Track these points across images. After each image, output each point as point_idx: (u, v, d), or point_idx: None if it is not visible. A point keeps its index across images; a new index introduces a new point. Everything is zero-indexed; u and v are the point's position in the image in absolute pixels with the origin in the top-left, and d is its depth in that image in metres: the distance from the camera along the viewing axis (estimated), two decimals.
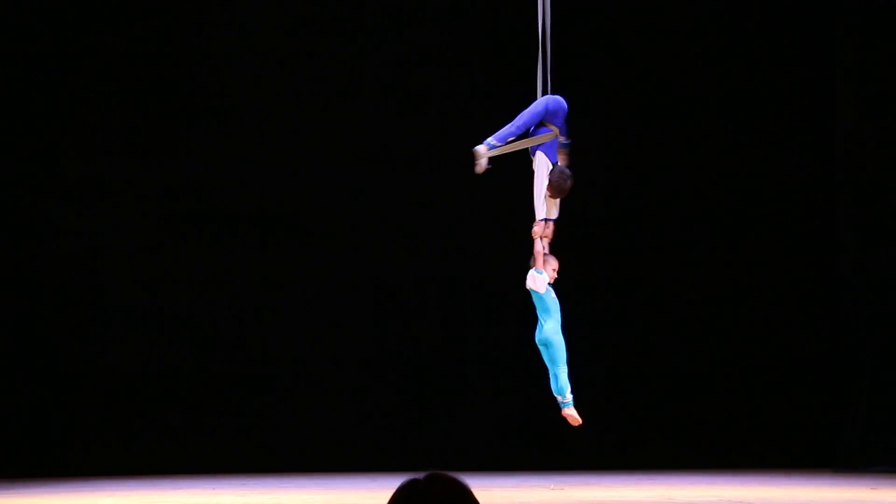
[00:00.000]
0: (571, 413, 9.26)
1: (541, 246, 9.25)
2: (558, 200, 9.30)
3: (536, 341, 9.29)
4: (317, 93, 14.32)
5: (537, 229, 9.23)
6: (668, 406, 14.36)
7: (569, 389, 9.19)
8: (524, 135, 9.28)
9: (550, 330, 9.17)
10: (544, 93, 9.36)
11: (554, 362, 9.20)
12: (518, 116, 9.27)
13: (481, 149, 9.24)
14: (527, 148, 9.31)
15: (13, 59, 13.99)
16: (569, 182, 9.17)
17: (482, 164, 9.24)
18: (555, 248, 9.43)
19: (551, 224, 9.31)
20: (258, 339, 14.29)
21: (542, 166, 9.22)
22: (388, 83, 14.40)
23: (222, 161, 14.22)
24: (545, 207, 9.22)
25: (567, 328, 9.38)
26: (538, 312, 9.28)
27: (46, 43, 14.00)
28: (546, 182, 9.14)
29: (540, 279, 9.21)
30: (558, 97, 9.35)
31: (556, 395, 9.25)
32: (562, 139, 9.32)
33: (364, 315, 14.36)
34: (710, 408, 14.36)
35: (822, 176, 14.35)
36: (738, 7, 14.53)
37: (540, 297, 9.21)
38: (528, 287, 9.29)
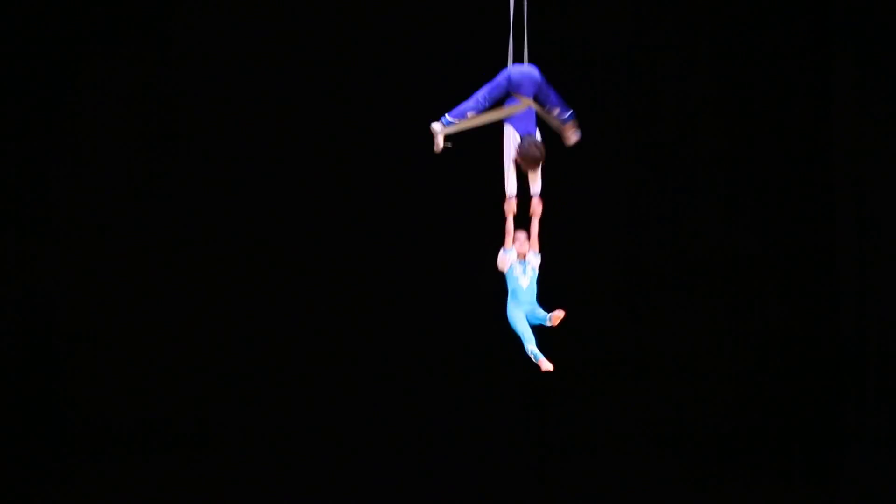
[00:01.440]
0: (544, 363, 8.93)
1: (511, 224, 8.90)
2: (538, 173, 8.84)
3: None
4: (308, 128, 14.24)
5: (507, 206, 8.83)
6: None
7: (537, 354, 8.92)
8: (493, 108, 8.84)
9: (508, 310, 9.01)
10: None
11: (520, 337, 9.04)
12: (478, 90, 8.86)
13: (436, 126, 8.85)
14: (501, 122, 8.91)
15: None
16: (539, 151, 8.72)
17: (439, 142, 8.84)
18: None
19: (536, 198, 8.93)
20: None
21: (509, 139, 8.80)
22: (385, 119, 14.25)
23: (214, 195, 14.15)
24: (514, 182, 8.82)
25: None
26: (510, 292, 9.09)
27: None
28: (513, 155, 8.75)
29: (505, 257, 8.98)
30: (525, 66, 8.87)
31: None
32: (555, 112, 8.93)
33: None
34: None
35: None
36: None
37: (504, 275, 9.03)
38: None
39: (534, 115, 8.90)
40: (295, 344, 14.18)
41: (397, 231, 14.25)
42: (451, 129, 8.81)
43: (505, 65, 8.92)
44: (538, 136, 8.88)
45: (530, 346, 8.90)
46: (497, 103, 8.87)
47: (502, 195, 8.90)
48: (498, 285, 9.15)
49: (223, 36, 14.15)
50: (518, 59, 8.94)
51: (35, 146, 13.97)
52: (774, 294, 14.53)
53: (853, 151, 13.96)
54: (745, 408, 14.40)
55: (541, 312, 8.99)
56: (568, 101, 9.03)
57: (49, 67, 13.95)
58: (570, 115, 8.98)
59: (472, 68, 13.32)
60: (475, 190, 12.86)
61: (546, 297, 9.11)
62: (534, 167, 8.79)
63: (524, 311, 8.99)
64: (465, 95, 8.64)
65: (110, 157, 14.10)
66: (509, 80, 8.79)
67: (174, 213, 14.11)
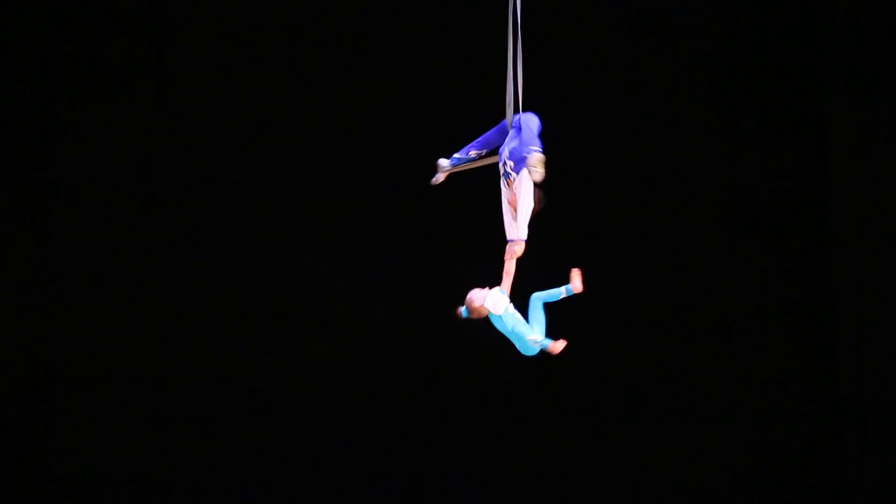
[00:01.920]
0: (553, 346, 8.70)
1: (513, 267, 8.69)
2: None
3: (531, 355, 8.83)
4: (313, 180, 14.26)
5: (518, 249, 8.66)
6: None
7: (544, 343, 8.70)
8: (493, 152, 8.90)
9: (535, 339, 8.66)
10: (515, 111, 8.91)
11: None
12: (484, 133, 9.00)
13: (444, 163, 9.05)
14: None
15: None
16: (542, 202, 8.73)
17: (439, 177, 9.06)
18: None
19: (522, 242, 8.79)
20: (258, 430, 14.19)
21: (526, 183, 8.65)
22: (388, 169, 14.36)
23: (220, 251, 14.19)
24: (514, 224, 8.74)
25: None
26: (509, 335, 8.75)
27: None
28: (532, 201, 8.67)
29: (503, 301, 8.67)
30: (529, 113, 8.87)
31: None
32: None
33: (363, 404, 14.31)
34: None
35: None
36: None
37: (499, 318, 8.69)
38: (486, 310, 8.67)
39: (520, 133, 8.82)
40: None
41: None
42: (455, 169, 8.97)
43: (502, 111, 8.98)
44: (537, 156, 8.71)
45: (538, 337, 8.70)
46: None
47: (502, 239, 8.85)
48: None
49: (218, 90, 14.20)
50: (516, 106, 8.98)
51: (28, 195, 13.96)
52: (772, 343, 14.53)
53: (851, 203, 13.99)
54: (743, 457, 14.38)
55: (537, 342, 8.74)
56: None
57: (42, 117, 13.98)
58: (527, 152, 8.77)
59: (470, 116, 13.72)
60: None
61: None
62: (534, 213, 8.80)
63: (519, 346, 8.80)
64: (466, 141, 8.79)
65: (103, 210, 14.10)
66: (512, 125, 8.85)
67: (165, 267, 14.11)
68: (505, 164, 8.76)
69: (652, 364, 14.50)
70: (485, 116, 14.22)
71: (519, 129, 8.81)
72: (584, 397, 14.41)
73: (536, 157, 8.53)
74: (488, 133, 9.01)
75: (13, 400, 13.81)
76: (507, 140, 8.87)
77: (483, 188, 14.23)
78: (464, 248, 14.14)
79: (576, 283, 8.71)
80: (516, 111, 8.89)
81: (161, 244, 14.11)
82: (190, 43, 14.24)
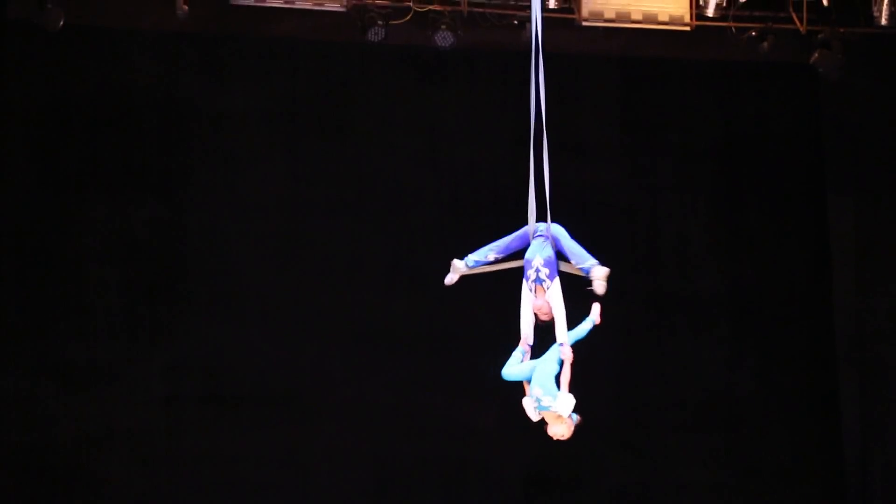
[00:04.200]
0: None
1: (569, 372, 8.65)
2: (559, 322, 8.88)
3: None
4: (316, 272, 14.31)
5: (569, 352, 8.69)
6: None
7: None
8: (510, 256, 9.03)
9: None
10: (539, 218, 9.09)
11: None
12: (507, 238, 9.08)
13: (458, 263, 9.12)
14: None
15: (13, 238, 13.92)
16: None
17: (453, 277, 9.12)
18: None
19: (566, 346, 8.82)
20: None
21: (558, 290, 8.81)
22: (390, 262, 14.43)
23: (221, 342, 14.14)
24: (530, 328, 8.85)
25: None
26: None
27: (45, 221, 13.96)
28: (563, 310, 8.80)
29: (568, 401, 8.57)
30: (557, 224, 9.07)
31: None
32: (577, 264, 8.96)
33: (364, 497, 14.24)
34: None
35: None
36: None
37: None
38: (561, 413, 8.58)
39: (549, 241, 8.98)
40: None
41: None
42: (470, 272, 9.05)
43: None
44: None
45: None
46: (516, 253, 9.07)
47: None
48: None
49: (220, 180, 14.30)
50: (541, 210, 9.12)
51: (35, 290, 13.99)
52: (776, 434, 14.53)
53: (853, 293, 14.05)
54: None
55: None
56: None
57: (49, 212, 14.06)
58: (591, 265, 9.00)
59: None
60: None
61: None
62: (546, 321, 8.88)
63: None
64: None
65: (107, 298, 14.12)
66: (532, 233, 9.00)
67: (168, 356, 14.12)
68: (538, 270, 8.88)
69: (656, 452, 14.48)
70: (491, 216, 14.48)
71: (547, 237, 8.96)
72: (591, 491, 14.36)
73: (603, 272, 8.83)
74: (509, 239, 9.10)
75: None
76: (533, 247, 8.99)
77: (484, 283, 14.40)
78: (466, 340, 14.17)
79: (594, 314, 8.88)
80: (541, 219, 9.04)
81: (164, 335, 14.11)
82: (194, 134, 14.34)
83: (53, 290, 13.93)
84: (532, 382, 8.65)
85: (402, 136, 14.57)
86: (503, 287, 13.70)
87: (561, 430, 8.59)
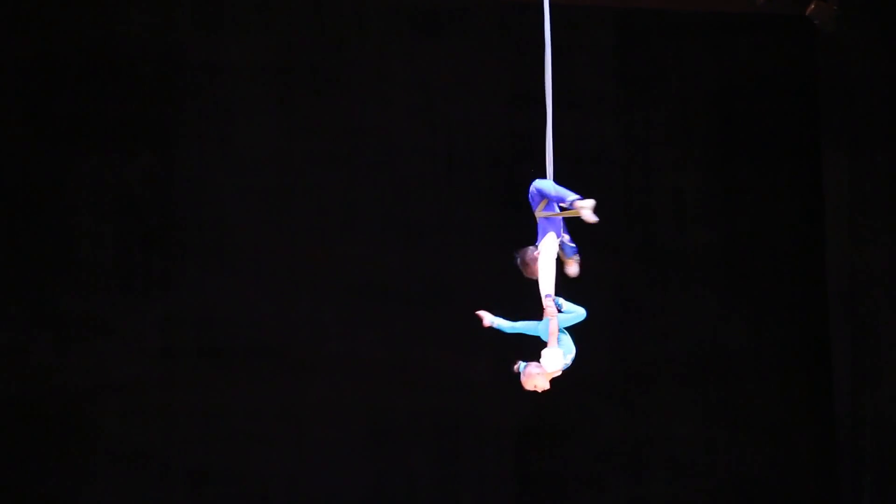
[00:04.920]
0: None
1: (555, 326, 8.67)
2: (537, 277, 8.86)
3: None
4: (310, 225, 14.30)
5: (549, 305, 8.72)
6: None
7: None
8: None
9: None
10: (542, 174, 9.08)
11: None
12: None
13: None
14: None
15: (6, 191, 13.89)
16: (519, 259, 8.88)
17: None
18: None
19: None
20: (253, 473, 14.12)
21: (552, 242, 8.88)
22: (384, 216, 14.40)
23: (215, 295, 14.14)
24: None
25: None
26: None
27: (37, 174, 13.93)
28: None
29: (555, 355, 8.56)
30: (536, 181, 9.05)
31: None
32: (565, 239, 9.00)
33: (358, 450, 14.27)
34: None
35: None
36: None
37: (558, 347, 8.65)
38: (552, 369, 8.58)
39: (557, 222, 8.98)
40: None
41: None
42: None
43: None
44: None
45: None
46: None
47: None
48: None
49: (214, 134, 14.27)
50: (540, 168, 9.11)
51: (28, 243, 13.97)
52: (768, 387, 14.57)
53: (846, 246, 14.05)
54: (739, 499, 14.39)
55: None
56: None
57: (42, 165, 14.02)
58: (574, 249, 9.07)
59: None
60: None
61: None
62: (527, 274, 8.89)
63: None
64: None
65: (98, 251, 14.10)
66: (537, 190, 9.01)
67: (161, 310, 14.11)
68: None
69: (648, 407, 14.53)
70: (486, 171, 14.45)
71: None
72: (583, 443, 14.42)
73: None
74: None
75: None
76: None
77: (477, 236, 14.41)
78: (459, 294, 14.18)
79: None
80: (542, 175, 9.09)
81: (158, 288, 14.11)
82: (188, 86, 14.29)
83: (47, 242, 13.93)
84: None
85: (397, 89, 14.53)
86: (495, 241, 13.79)
87: (532, 382, 8.61)
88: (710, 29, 14.96)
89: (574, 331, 8.70)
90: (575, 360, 8.67)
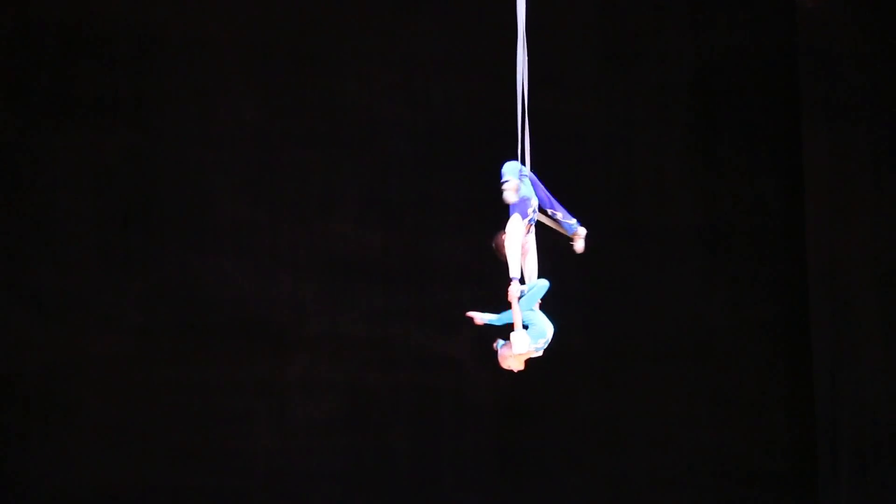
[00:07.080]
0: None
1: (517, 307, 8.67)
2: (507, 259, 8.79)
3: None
4: (290, 203, 14.27)
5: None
6: None
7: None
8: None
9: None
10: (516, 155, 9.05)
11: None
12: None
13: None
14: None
15: None
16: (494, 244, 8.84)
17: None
18: None
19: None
20: (233, 449, 14.13)
21: (517, 224, 8.76)
22: (364, 193, 14.39)
23: (195, 271, 14.13)
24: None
25: None
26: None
27: (15, 149, 13.86)
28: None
29: (522, 337, 8.50)
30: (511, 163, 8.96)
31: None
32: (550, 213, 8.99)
33: (339, 427, 14.28)
34: None
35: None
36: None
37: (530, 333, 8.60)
38: (518, 352, 8.59)
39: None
40: None
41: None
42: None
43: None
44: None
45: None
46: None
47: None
48: None
49: (196, 111, 14.22)
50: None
51: (6, 218, 13.92)
52: (747, 364, 14.62)
53: (826, 225, 14.08)
54: (721, 482, 14.44)
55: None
56: (549, 180, 9.08)
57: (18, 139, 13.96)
58: (576, 224, 9.09)
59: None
60: None
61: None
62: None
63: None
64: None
65: (80, 229, 14.07)
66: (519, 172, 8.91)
67: (141, 287, 14.09)
68: (535, 211, 8.87)
69: (628, 387, 14.57)
70: (466, 149, 14.43)
71: (532, 179, 8.91)
72: (562, 420, 14.46)
73: (584, 232, 9.06)
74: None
75: None
76: (527, 185, 8.86)
77: (457, 215, 14.41)
78: (439, 272, 14.19)
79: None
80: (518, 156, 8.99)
81: (138, 265, 14.09)
82: (168, 62, 14.25)
83: (25, 218, 13.89)
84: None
85: (377, 66, 14.50)
86: (475, 219, 13.78)
87: (506, 363, 8.64)
88: (690, 6, 14.95)
89: (554, 309, 8.69)
90: (554, 338, 8.67)
